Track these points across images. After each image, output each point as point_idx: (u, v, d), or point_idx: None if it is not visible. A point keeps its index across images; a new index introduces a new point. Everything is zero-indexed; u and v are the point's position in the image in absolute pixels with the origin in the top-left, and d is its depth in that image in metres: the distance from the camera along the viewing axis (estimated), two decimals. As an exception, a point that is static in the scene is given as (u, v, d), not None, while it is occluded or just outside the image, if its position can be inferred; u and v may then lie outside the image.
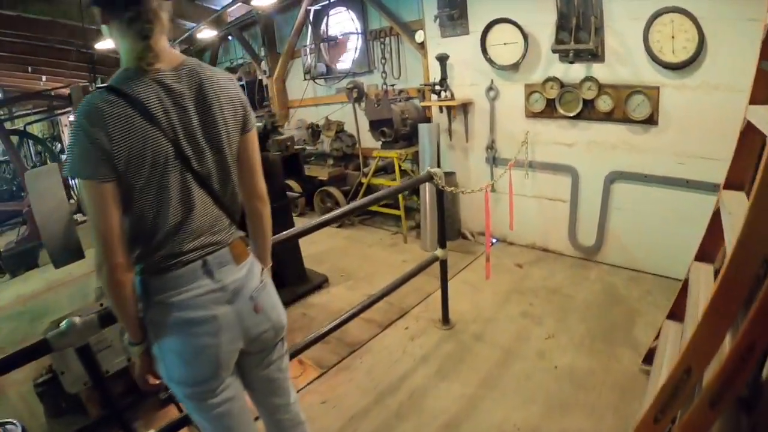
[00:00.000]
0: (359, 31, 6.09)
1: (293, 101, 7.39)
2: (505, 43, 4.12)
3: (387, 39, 5.78)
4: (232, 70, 8.23)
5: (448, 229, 4.96)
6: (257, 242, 1.64)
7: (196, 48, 8.07)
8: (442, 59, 4.56)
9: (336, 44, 6.43)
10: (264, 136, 4.06)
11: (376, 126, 5.45)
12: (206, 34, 6.54)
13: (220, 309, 1.42)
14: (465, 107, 4.66)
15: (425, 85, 5.05)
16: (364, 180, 5.65)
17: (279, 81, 7.35)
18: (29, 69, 9.35)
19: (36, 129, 14.30)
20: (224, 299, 1.43)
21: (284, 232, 2.37)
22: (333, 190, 6.00)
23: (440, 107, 4.78)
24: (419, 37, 5.24)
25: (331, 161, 6.31)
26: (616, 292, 3.69)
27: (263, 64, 7.43)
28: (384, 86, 5.66)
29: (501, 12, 4.04)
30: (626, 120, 3.62)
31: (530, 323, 3.41)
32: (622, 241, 3.96)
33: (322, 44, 6.46)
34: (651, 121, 3.51)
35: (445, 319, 3.50)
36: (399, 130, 5.23)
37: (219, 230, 1.45)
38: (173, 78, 1.34)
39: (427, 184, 4.23)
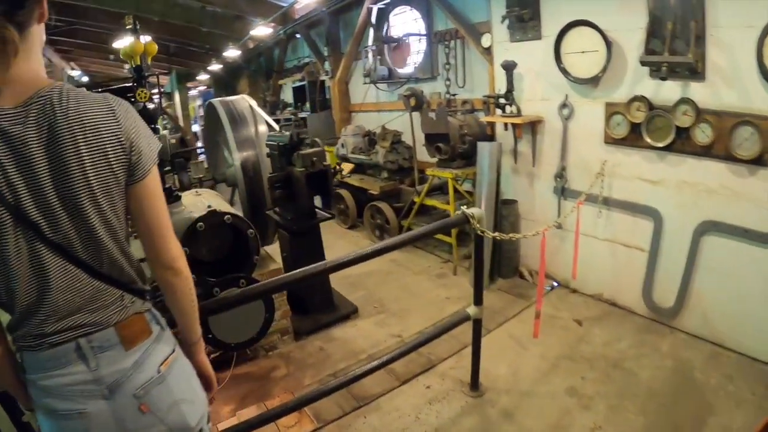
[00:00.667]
0: (423, 32, 5.53)
1: (354, 105, 7.02)
2: (583, 51, 3.37)
3: (452, 42, 5.18)
4: (298, 69, 8.08)
5: (504, 265, 4.32)
6: (175, 319, 1.32)
7: (263, 46, 8.00)
8: (509, 67, 3.89)
9: (399, 46, 5.94)
10: (291, 148, 3.69)
11: (431, 140, 4.89)
12: (261, 31, 6.36)
13: (92, 404, 1.12)
14: (533, 126, 3.95)
15: (488, 96, 4.39)
16: (417, 199, 5.13)
17: (341, 83, 7.02)
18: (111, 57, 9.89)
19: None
20: (98, 393, 1.13)
21: (308, 267, 2.13)
22: (384, 206, 5.53)
23: (505, 124, 4.12)
24: (486, 41, 4.58)
25: (385, 174, 5.84)
26: (690, 375, 2.86)
27: (327, 64, 7.14)
28: (446, 95, 5.07)
29: (579, 13, 3.31)
30: (729, 157, 2.76)
31: (576, 405, 2.71)
32: (707, 307, 3.08)
33: (384, 46, 5.99)
34: (761, 161, 2.63)
35: (474, 384, 2.91)
36: (456, 146, 4.63)
37: (102, 306, 1.14)
38: (14, 119, 0.98)
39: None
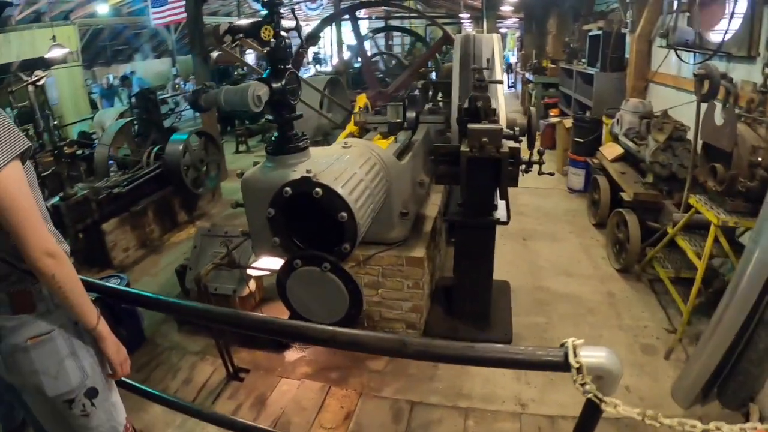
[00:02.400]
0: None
1: (653, 73, 5.29)
2: None
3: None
4: (602, 15, 6.52)
5: (732, 386, 2.72)
6: None
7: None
8: None
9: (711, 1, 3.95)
10: (467, 117, 3.04)
11: (710, 155, 3.30)
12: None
13: None
14: None
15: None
16: (670, 230, 3.68)
17: (642, 40, 5.33)
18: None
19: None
20: None
21: (338, 330, 1.50)
22: (631, 219, 4.23)
23: None
24: None
25: (650, 178, 4.35)
26: None
27: (630, 13, 5.49)
28: (763, 89, 3.19)
29: None
30: None
31: None
32: None
33: None
34: None
35: None
36: (737, 177, 2.98)
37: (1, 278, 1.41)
38: None
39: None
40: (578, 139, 6.11)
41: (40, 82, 5.85)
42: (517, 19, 14.48)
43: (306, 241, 2.59)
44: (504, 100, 3.72)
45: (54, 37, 8.35)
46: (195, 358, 3.46)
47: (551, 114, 8.28)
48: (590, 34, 6.45)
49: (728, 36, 3.85)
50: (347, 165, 2.80)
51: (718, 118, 3.17)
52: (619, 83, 5.97)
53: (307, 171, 2.45)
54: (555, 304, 3.98)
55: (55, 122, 6.71)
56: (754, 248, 2.63)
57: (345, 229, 2.47)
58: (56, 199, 4.70)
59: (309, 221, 2.51)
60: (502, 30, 20.22)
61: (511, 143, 3.05)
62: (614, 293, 4.09)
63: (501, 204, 3.47)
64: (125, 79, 13.45)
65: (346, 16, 5.87)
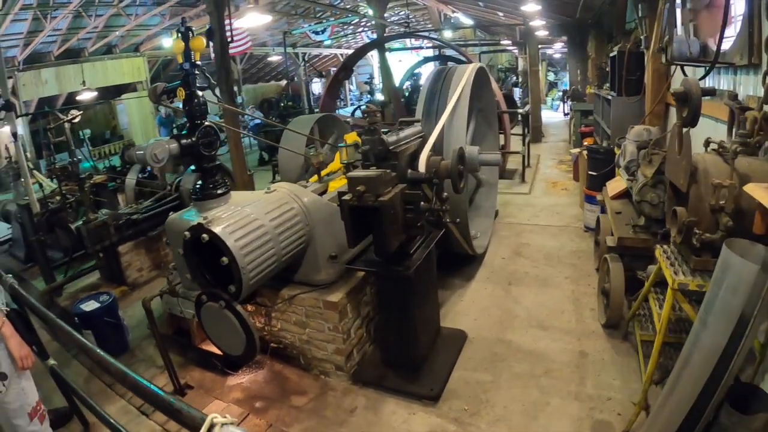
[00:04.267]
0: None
1: (669, 95, 4.57)
2: None
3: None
4: (626, 34, 5.84)
5: None
6: None
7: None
8: None
9: (709, 4, 3.30)
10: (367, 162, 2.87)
11: (678, 195, 2.70)
12: None
13: None
14: None
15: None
16: (647, 284, 3.05)
17: (658, 58, 4.65)
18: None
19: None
20: None
21: None
22: (615, 267, 3.59)
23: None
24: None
25: (641, 220, 3.69)
26: None
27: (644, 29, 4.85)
28: (764, 104, 2.55)
29: None
30: None
31: None
32: None
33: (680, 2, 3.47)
34: None
35: None
36: (694, 227, 2.37)
37: None
38: None
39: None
40: (592, 172, 5.44)
41: (75, 120, 6.56)
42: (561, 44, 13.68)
43: (216, 279, 2.86)
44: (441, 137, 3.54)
45: (84, 82, 9.33)
46: (157, 371, 3.71)
47: (584, 143, 7.54)
48: (611, 55, 5.79)
49: (729, 43, 3.20)
50: (252, 211, 3.01)
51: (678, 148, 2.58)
52: (639, 108, 5.25)
53: (204, 218, 2.77)
54: (511, 361, 3.44)
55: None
56: (700, 330, 2.08)
57: (231, 272, 2.72)
58: (79, 222, 5.22)
59: (215, 262, 2.74)
60: (556, 55, 19.20)
61: (410, 190, 2.74)
62: (588, 353, 3.45)
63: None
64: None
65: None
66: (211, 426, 1.07)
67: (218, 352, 3.24)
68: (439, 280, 4.55)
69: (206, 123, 3.15)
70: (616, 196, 4.38)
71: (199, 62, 3.03)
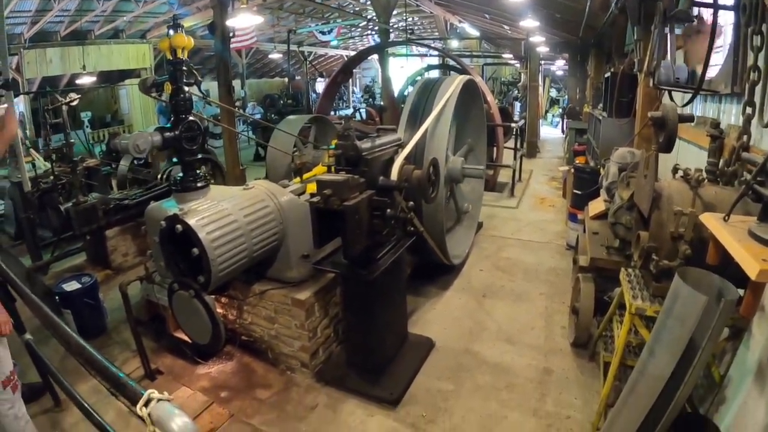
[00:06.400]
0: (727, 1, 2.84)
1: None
2: None
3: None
4: (623, 56, 5.90)
5: None
6: None
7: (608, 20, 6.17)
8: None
9: (698, 31, 3.34)
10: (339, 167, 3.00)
11: (644, 219, 2.74)
12: None
13: None
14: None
15: None
16: (611, 306, 3.09)
17: (649, 79, 4.70)
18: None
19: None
20: None
21: None
22: (586, 288, 3.63)
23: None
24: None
25: (616, 242, 3.72)
26: None
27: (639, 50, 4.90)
28: (744, 136, 2.59)
29: None
30: None
31: None
32: None
33: (667, 27, 3.51)
34: None
35: None
36: (652, 253, 2.42)
37: None
38: None
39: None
40: (577, 191, 5.48)
41: (73, 103, 6.60)
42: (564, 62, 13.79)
43: (188, 268, 2.92)
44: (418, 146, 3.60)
45: (84, 66, 9.44)
46: (130, 355, 3.77)
47: (576, 162, 7.58)
48: (605, 76, 5.85)
49: (716, 71, 3.25)
50: (227, 206, 3.07)
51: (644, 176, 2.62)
52: (629, 130, 5.30)
53: (180, 209, 2.86)
54: (475, 372, 3.47)
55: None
56: (647, 358, 2.12)
57: (201, 263, 2.80)
58: (69, 204, 5.18)
59: (188, 252, 2.82)
60: (559, 72, 19.28)
61: (380, 197, 2.81)
62: (553, 371, 3.48)
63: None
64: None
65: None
66: (149, 400, 1.16)
67: (190, 340, 3.30)
68: (414, 287, 4.61)
69: (190, 118, 3.21)
70: (596, 216, 4.40)
71: (186, 58, 3.08)
